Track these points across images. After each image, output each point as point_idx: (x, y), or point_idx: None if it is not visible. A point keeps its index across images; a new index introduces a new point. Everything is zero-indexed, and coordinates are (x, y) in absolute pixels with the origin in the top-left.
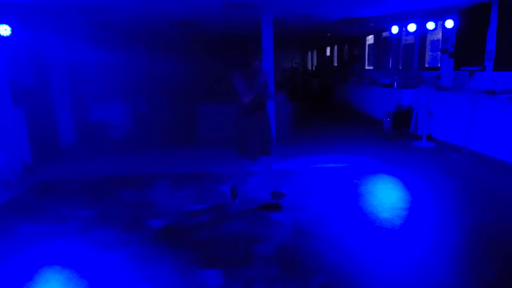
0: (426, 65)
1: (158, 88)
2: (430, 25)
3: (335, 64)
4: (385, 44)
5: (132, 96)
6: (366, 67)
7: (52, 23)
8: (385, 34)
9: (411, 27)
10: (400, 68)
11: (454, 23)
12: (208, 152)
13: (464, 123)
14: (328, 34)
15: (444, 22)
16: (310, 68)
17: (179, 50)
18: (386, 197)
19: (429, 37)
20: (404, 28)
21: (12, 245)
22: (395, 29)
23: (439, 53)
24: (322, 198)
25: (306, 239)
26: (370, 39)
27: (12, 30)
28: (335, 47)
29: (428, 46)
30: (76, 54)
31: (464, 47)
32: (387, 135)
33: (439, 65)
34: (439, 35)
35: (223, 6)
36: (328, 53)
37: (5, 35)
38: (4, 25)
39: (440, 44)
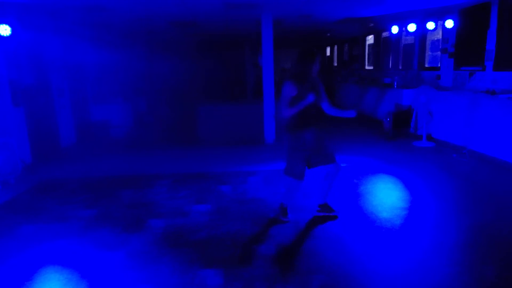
0: (426, 65)
1: (158, 88)
2: (430, 25)
3: (335, 64)
4: (385, 44)
5: (132, 96)
6: (366, 67)
7: (52, 23)
8: (385, 34)
9: (411, 27)
10: (400, 68)
11: (454, 23)
12: (208, 152)
13: (464, 123)
14: (328, 34)
15: (444, 22)
16: None
17: (179, 50)
18: (386, 197)
19: (429, 37)
20: (404, 28)
21: (12, 245)
22: (395, 29)
23: (439, 53)
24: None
25: (306, 239)
26: (370, 39)
27: (12, 30)
28: (335, 47)
29: (428, 46)
30: (76, 54)
31: (464, 47)
32: (387, 135)
33: (439, 65)
34: (439, 35)
35: (223, 6)
36: (328, 53)
37: (5, 35)
38: (4, 25)
39: (440, 44)
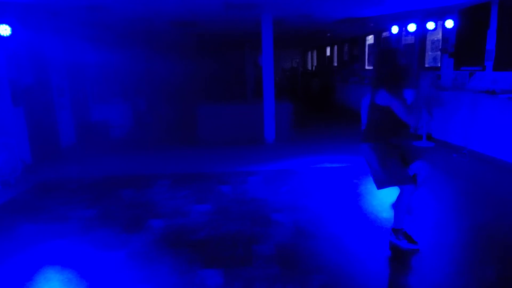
0: (426, 65)
1: (158, 88)
2: (430, 25)
3: (335, 64)
4: (385, 44)
5: (132, 96)
6: (366, 67)
7: (52, 23)
8: (385, 34)
9: (411, 27)
10: None
11: (454, 23)
12: (208, 152)
13: (464, 123)
14: (328, 34)
15: (444, 22)
16: (310, 68)
17: (179, 50)
18: (386, 197)
19: (429, 37)
20: (404, 28)
21: (12, 245)
22: (395, 29)
23: (439, 53)
24: (322, 198)
25: (306, 239)
26: (370, 39)
27: (12, 30)
28: (335, 47)
29: (428, 46)
30: (76, 54)
31: (464, 47)
32: None
33: (439, 65)
34: (439, 35)
35: (223, 6)
36: (328, 53)
37: (5, 35)
38: (4, 25)
39: (440, 44)
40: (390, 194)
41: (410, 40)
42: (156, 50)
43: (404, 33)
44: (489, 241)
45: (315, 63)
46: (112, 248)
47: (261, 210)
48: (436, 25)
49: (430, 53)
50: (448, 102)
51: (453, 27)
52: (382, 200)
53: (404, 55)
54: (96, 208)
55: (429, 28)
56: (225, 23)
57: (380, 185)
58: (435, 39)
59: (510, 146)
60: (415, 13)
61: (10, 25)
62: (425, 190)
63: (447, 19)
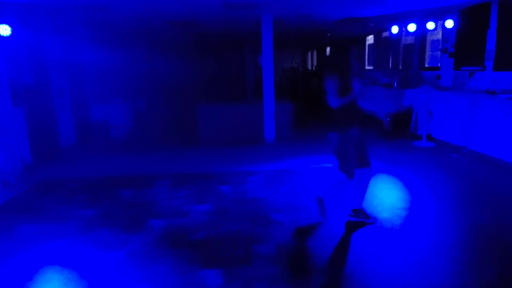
0: (426, 65)
1: (158, 88)
2: (430, 25)
3: None
4: (385, 44)
5: (132, 96)
6: (366, 67)
7: (52, 23)
8: (385, 34)
9: (411, 27)
10: (400, 68)
11: (454, 23)
12: (208, 152)
13: (464, 123)
14: (328, 34)
15: (444, 22)
16: (310, 68)
17: (179, 50)
18: (386, 197)
19: (429, 37)
20: (404, 28)
21: (12, 245)
22: (395, 29)
23: (439, 53)
24: (322, 198)
25: (306, 239)
26: (370, 39)
27: (12, 30)
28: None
29: (428, 46)
30: (76, 54)
31: (464, 47)
32: (387, 135)
33: (439, 65)
34: (439, 35)
35: (223, 6)
36: (328, 53)
37: (5, 35)
38: (4, 25)
39: (440, 44)
40: (390, 194)
41: (410, 40)
42: (156, 50)
43: (404, 33)
44: (489, 241)
45: (315, 63)
46: (112, 248)
47: (261, 210)
48: (436, 25)
49: (430, 53)
50: (448, 102)
51: (453, 27)
52: (382, 200)
53: (355, 65)
54: (96, 208)
55: (429, 28)
56: (225, 23)
57: (342, 170)
58: (435, 39)
59: (510, 146)
60: (415, 13)
61: (10, 25)
62: (425, 189)
63: (447, 19)
